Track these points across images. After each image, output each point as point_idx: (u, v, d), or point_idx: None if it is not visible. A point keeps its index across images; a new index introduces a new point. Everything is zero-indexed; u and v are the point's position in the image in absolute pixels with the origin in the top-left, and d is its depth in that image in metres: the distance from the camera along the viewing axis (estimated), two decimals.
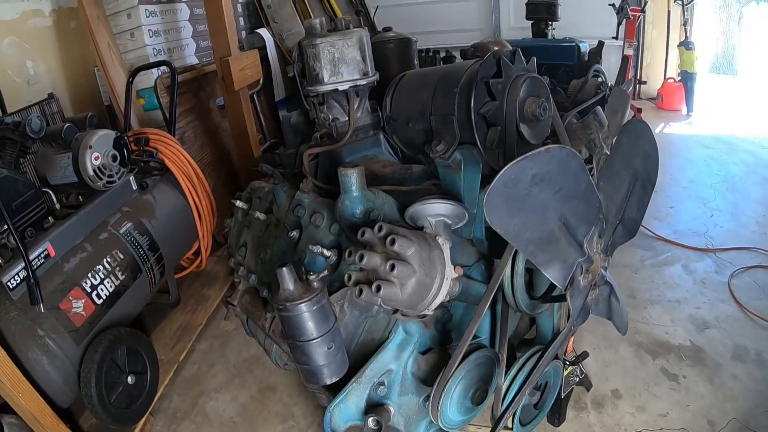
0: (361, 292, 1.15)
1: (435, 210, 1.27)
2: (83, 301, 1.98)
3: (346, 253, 1.20)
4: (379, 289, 1.12)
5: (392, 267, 1.12)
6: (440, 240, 1.26)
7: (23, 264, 1.77)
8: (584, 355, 2.08)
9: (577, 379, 2.12)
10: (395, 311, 1.28)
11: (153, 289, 2.45)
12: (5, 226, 1.79)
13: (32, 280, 1.77)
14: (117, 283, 2.16)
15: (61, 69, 3.16)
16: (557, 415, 2.15)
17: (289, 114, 2.26)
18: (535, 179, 0.99)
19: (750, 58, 6.35)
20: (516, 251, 1.30)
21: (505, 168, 0.94)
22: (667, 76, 5.90)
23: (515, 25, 5.83)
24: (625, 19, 4.72)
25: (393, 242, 1.13)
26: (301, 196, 1.68)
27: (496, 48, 2.47)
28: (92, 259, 2.08)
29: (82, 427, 2.10)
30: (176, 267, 2.88)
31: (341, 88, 1.87)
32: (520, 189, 0.98)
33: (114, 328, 2.05)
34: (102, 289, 2.08)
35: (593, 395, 2.30)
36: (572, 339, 2.11)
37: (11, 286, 1.76)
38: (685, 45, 5.59)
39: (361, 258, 1.14)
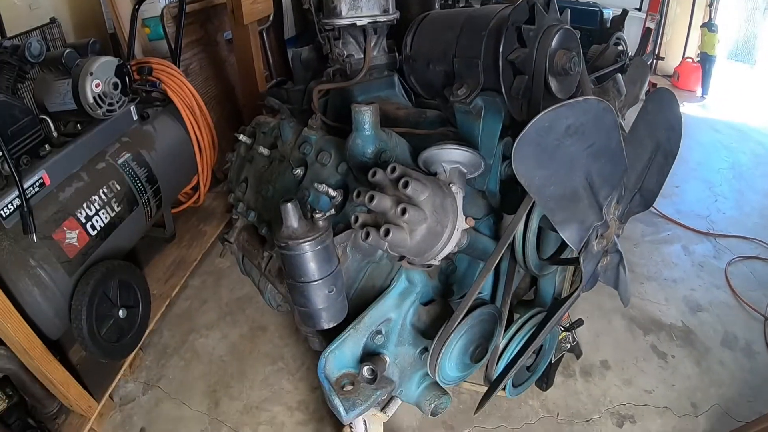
0: (368, 235, 1.10)
1: (451, 156, 1.21)
2: (77, 231, 1.93)
3: (355, 194, 1.15)
4: (387, 233, 1.07)
5: (403, 211, 1.06)
6: (454, 188, 1.21)
7: (17, 192, 1.73)
8: (579, 322, 2.08)
9: (569, 345, 2.13)
10: (401, 258, 1.24)
11: (149, 222, 2.41)
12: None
13: (26, 209, 1.73)
14: (112, 214, 2.12)
15: None
16: (546, 380, 2.17)
17: (299, 49, 2.16)
18: (569, 130, 0.93)
19: None
20: (531, 207, 1.26)
21: (541, 114, 0.88)
22: (685, 55, 5.76)
23: None
24: None
25: (406, 185, 1.07)
26: (308, 133, 1.62)
27: None
28: (88, 190, 2.03)
29: (71, 360, 2.09)
30: (174, 201, 2.84)
31: (359, 23, 1.77)
32: (552, 139, 0.93)
33: (107, 261, 2.02)
34: (97, 221, 2.04)
35: (582, 363, 2.33)
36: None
37: (4, 215, 1.72)
38: (708, 26, 5.43)
39: (371, 199, 1.09)
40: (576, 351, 2.32)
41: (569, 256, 1.51)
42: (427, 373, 1.49)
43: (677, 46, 5.85)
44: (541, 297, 1.81)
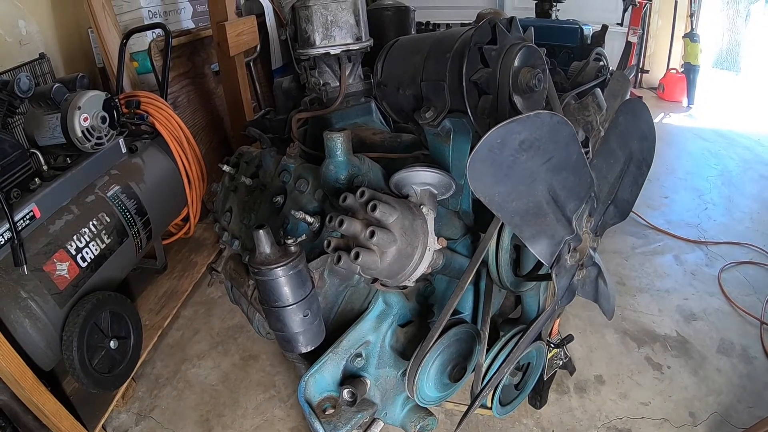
0: (339, 258, 1.12)
1: (421, 178, 1.23)
2: (67, 263, 1.95)
3: (327, 219, 1.17)
4: (357, 256, 1.08)
5: (372, 234, 1.08)
6: (424, 209, 1.22)
7: (8, 225, 1.74)
8: (569, 338, 2.07)
9: (561, 362, 2.11)
10: (374, 281, 1.25)
11: (139, 253, 2.43)
12: None
13: (16, 242, 1.74)
14: (102, 246, 2.13)
15: (53, 29, 3.09)
16: (539, 398, 2.16)
17: (281, 79, 2.21)
18: (523, 145, 0.95)
19: (754, 56, 6.28)
20: (503, 225, 1.27)
21: (491, 131, 0.89)
22: (669, 67, 5.85)
23: (519, 5, 5.71)
24: (631, 6, 4.67)
25: (374, 208, 1.09)
26: (287, 161, 1.64)
27: None
28: (78, 222, 2.05)
29: (65, 391, 2.08)
30: (164, 233, 2.86)
31: (333, 52, 1.81)
32: (506, 155, 0.94)
33: (98, 292, 2.03)
34: (87, 252, 2.05)
35: (576, 379, 2.31)
36: (557, 322, 2.10)
37: None
38: (690, 37, 5.53)
39: (341, 223, 1.11)
40: (569, 367, 2.31)
41: (546, 272, 1.51)
42: None
43: (661, 58, 5.95)
44: (525, 314, 1.82)
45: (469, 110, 1.29)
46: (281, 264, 1.11)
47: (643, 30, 5.36)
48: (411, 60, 1.44)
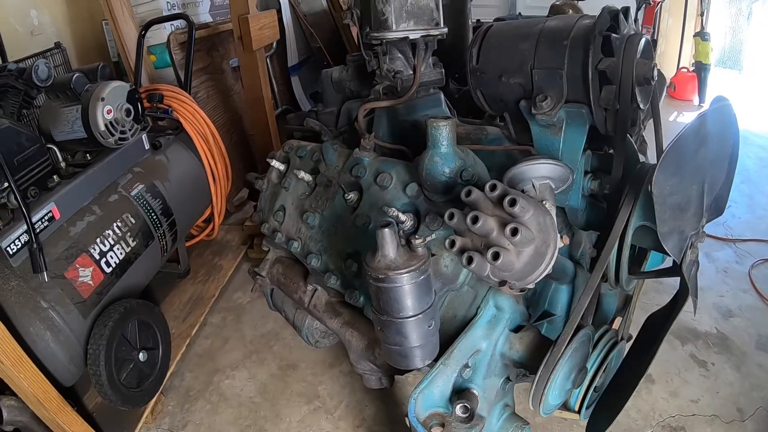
0: (470, 260, 1.00)
1: (541, 171, 1.13)
2: (91, 269, 1.80)
3: (447, 215, 1.05)
4: (497, 256, 0.97)
5: (514, 231, 0.97)
6: (547, 204, 1.12)
7: (25, 227, 1.59)
8: (630, 336, 2.02)
9: None
10: (502, 283, 1.14)
11: (164, 257, 2.29)
12: (5, 184, 1.60)
13: (35, 245, 1.59)
14: (128, 250, 1.99)
15: (66, 20, 2.95)
16: None
17: (330, 69, 2.07)
18: (704, 136, 0.87)
19: (757, 54, 6.36)
20: (627, 222, 1.18)
21: (695, 119, 0.82)
22: (680, 66, 5.84)
23: (532, 3, 5.63)
24: (644, 5, 4.63)
25: (513, 203, 0.97)
26: (361, 154, 1.51)
27: (570, 11, 2.32)
28: (101, 223, 1.90)
29: (87, 407, 1.92)
30: (186, 234, 2.69)
31: (412, 36, 1.66)
32: (693, 145, 0.86)
33: (124, 300, 1.88)
34: (111, 256, 1.90)
35: None
36: (618, 320, 2.03)
37: (11, 252, 1.58)
38: (701, 35, 5.50)
39: (475, 220, 0.99)
40: None
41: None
42: (507, 403, 1.39)
43: (671, 57, 5.92)
44: (602, 314, 1.74)
45: (592, 100, 1.20)
46: (411, 268, 0.99)
47: (655, 29, 5.34)
48: (517, 47, 1.33)
